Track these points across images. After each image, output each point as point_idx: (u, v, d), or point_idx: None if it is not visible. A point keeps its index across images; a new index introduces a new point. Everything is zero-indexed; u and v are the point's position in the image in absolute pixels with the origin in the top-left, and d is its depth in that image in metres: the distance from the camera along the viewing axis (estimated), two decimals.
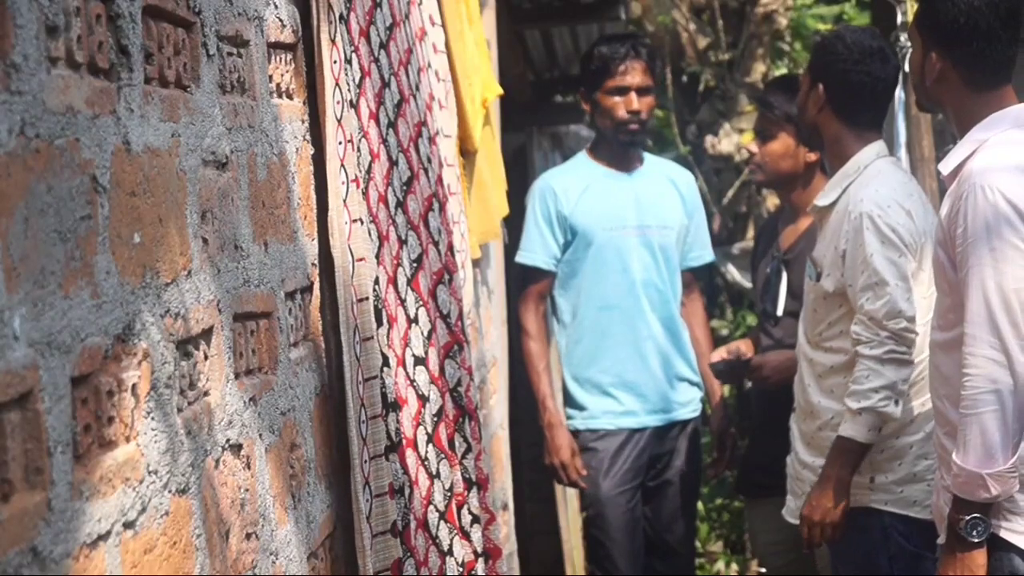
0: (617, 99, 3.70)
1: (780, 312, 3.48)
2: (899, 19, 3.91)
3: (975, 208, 2.16)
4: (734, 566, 6.46)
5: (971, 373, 2.15)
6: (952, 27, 2.30)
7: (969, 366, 2.15)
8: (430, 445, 2.01)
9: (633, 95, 3.70)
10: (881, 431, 2.78)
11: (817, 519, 2.79)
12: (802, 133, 3.09)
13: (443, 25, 2.71)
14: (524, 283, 3.79)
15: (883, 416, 2.74)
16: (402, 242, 2.01)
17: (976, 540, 2.17)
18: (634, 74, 3.70)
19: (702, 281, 5.78)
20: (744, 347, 3.54)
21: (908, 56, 2.42)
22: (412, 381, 1.98)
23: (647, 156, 3.91)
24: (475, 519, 2.16)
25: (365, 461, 1.75)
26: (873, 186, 2.83)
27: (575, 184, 3.75)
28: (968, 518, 2.17)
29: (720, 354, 3.52)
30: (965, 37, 2.29)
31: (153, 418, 1.18)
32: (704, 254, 3.91)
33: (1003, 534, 2.20)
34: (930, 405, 2.71)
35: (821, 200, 2.94)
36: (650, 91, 3.75)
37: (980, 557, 2.18)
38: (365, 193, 1.85)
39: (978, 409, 2.14)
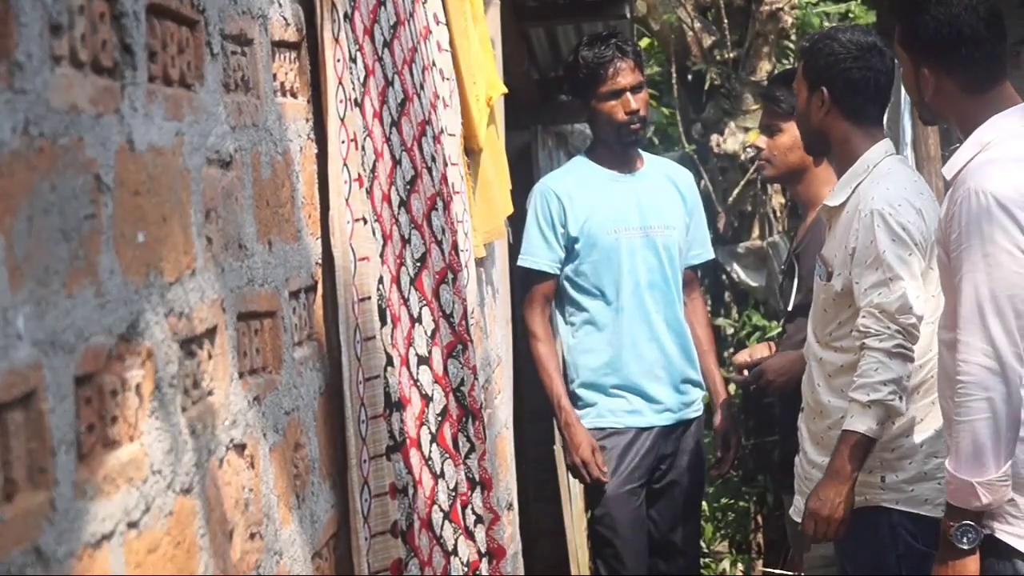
0: (613, 103, 3.69)
1: (790, 307, 3.48)
2: None
3: (968, 212, 2.15)
4: (739, 566, 6.46)
5: (964, 380, 2.13)
6: (937, 38, 2.29)
7: (962, 373, 2.13)
8: (434, 445, 2.01)
9: (628, 95, 3.68)
10: (884, 427, 2.77)
11: (824, 514, 2.76)
12: (805, 141, 3.07)
13: (447, 23, 2.71)
14: (526, 287, 3.78)
15: (891, 410, 2.72)
16: (405, 241, 2.01)
17: (966, 547, 2.15)
18: (625, 74, 3.68)
19: (706, 280, 5.78)
20: (760, 352, 3.54)
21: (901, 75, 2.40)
22: (416, 381, 1.98)
23: (646, 156, 3.91)
24: (479, 519, 2.16)
25: (364, 461, 1.75)
26: (884, 184, 2.82)
27: (577, 187, 3.74)
28: (958, 525, 2.15)
29: (741, 358, 3.52)
30: (952, 45, 2.28)
31: (157, 418, 1.18)
32: (704, 252, 3.90)
33: (1004, 538, 2.18)
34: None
35: (831, 200, 2.93)
36: (643, 87, 3.74)
37: (971, 564, 2.16)
38: (369, 192, 1.85)
39: (970, 416, 2.12)
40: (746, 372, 3.46)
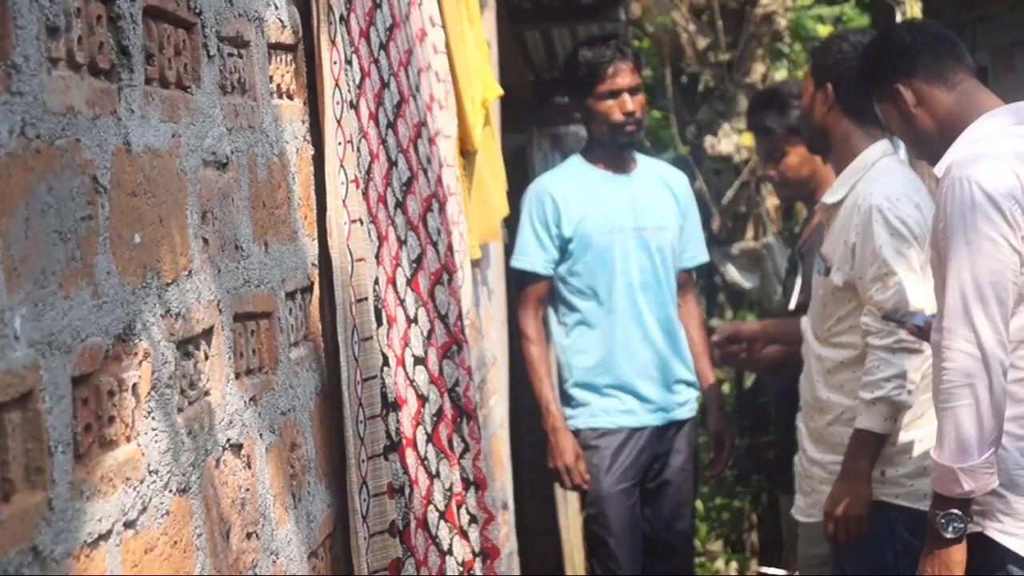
0: (610, 103, 3.70)
1: (792, 306, 3.50)
2: (899, 19, 3.92)
3: (952, 201, 2.17)
4: (734, 565, 6.47)
5: (947, 367, 2.15)
6: (905, 52, 2.40)
7: (945, 360, 2.15)
8: (430, 445, 2.02)
9: (626, 96, 3.70)
10: (896, 420, 2.79)
11: (841, 514, 2.79)
12: (807, 138, 3.11)
13: (443, 26, 2.72)
14: (521, 288, 3.79)
15: (897, 405, 2.75)
16: (401, 242, 2.01)
17: (951, 536, 2.16)
18: (623, 75, 3.70)
19: (701, 281, 5.78)
20: (745, 328, 3.58)
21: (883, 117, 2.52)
22: (412, 381, 1.98)
23: (640, 158, 3.92)
24: (472, 519, 2.17)
25: (363, 461, 1.75)
26: (882, 180, 2.86)
27: (572, 188, 3.75)
28: (943, 513, 2.16)
29: (723, 332, 3.57)
30: (916, 52, 2.38)
31: (154, 418, 1.18)
32: (698, 254, 3.92)
33: (994, 535, 2.19)
34: None
35: (829, 197, 2.96)
36: (640, 89, 3.76)
37: (957, 554, 2.17)
38: (365, 193, 1.86)
39: (953, 403, 2.14)
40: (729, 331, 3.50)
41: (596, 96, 3.71)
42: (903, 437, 2.82)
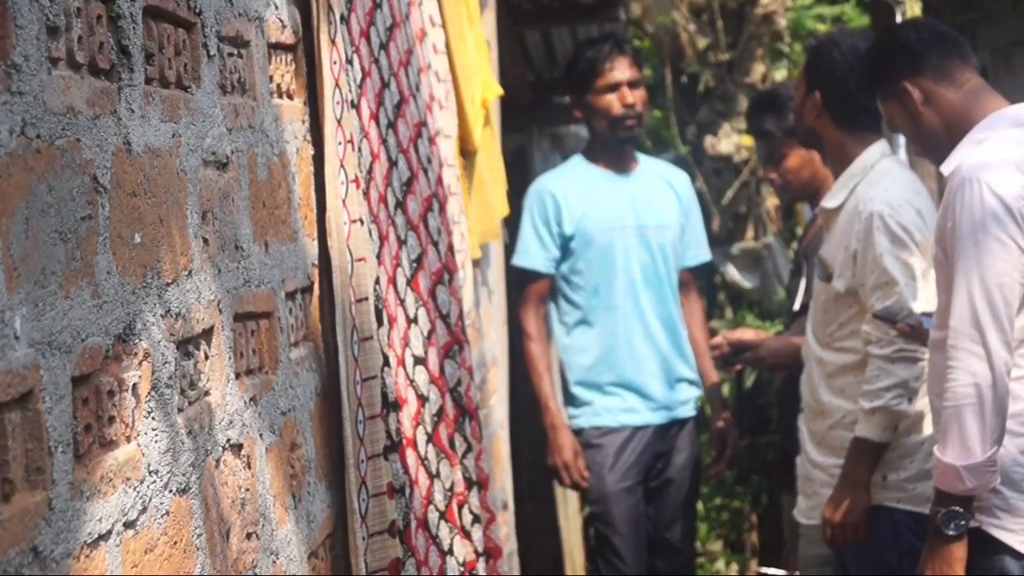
0: (610, 96, 3.71)
1: (796, 307, 3.50)
2: (898, 19, 3.92)
3: (962, 203, 2.18)
4: (734, 565, 6.47)
5: (953, 366, 2.17)
6: (912, 50, 2.39)
7: (951, 359, 2.17)
8: (430, 445, 2.02)
9: (625, 89, 3.71)
10: (897, 429, 2.79)
11: (839, 520, 2.80)
12: (801, 136, 3.11)
13: (443, 26, 2.72)
14: (521, 286, 3.80)
15: (896, 414, 2.75)
16: (401, 242, 2.01)
17: (952, 533, 2.17)
18: (622, 69, 3.71)
19: (701, 280, 5.79)
20: (743, 334, 3.57)
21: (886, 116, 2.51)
22: (412, 381, 1.98)
23: (642, 157, 3.93)
24: (476, 519, 2.17)
25: (362, 461, 1.76)
26: (883, 185, 2.84)
27: (573, 187, 3.76)
28: (945, 511, 2.17)
29: (720, 339, 3.56)
30: (923, 51, 2.38)
31: (154, 418, 1.18)
32: (701, 253, 3.92)
33: (992, 531, 2.20)
34: None
35: (828, 202, 2.95)
36: (640, 84, 3.76)
37: (958, 551, 2.18)
38: (366, 193, 1.86)
39: (957, 402, 2.15)
40: (725, 344, 3.46)
41: (595, 91, 3.71)
42: (905, 441, 2.82)
